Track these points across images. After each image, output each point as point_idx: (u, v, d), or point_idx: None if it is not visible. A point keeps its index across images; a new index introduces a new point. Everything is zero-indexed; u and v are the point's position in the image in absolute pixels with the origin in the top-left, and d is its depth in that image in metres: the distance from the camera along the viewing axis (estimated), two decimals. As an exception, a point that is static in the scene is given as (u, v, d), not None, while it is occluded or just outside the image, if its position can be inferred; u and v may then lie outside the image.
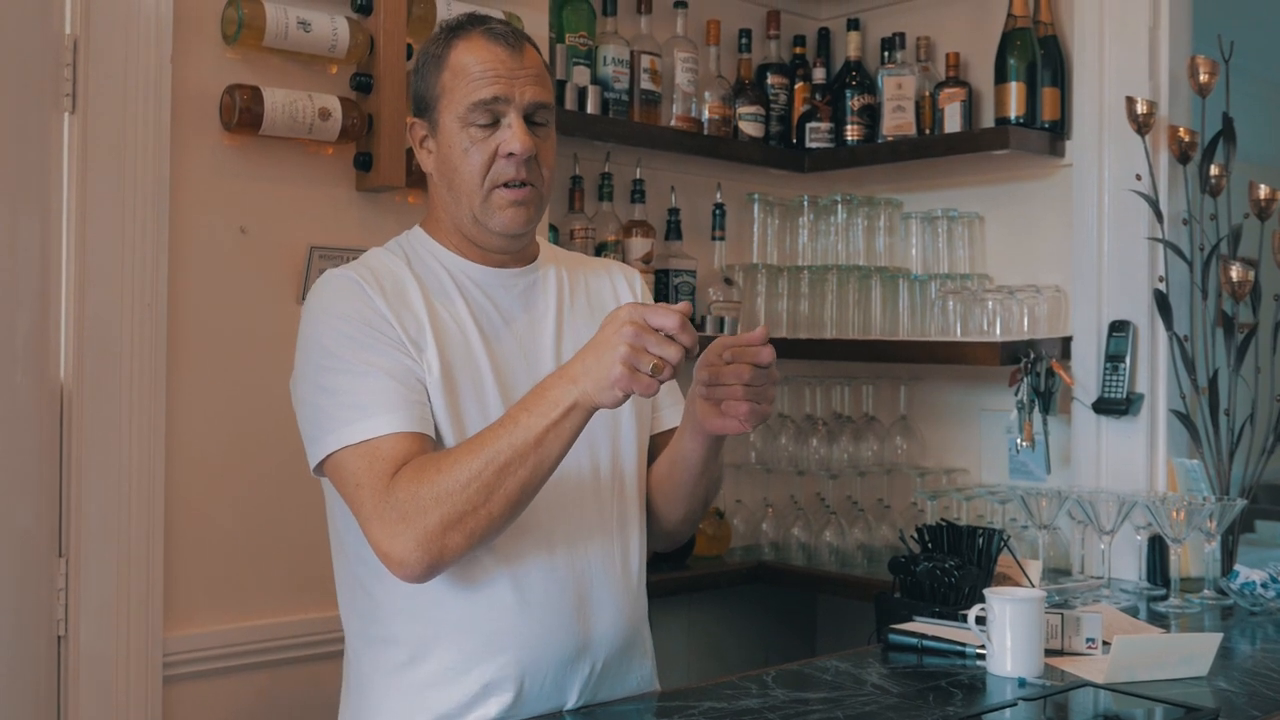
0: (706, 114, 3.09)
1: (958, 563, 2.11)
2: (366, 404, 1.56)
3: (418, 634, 1.63)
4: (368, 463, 1.54)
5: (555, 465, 1.52)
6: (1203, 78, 2.63)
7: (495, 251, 1.72)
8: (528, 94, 1.65)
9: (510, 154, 1.63)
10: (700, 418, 1.63)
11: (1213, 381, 2.60)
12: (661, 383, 1.45)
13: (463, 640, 1.61)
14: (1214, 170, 2.64)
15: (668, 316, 1.45)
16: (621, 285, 1.86)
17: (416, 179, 2.36)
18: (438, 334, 1.63)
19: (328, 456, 1.57)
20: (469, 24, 1.69)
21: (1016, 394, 2.81)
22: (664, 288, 2.99)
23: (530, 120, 1.66)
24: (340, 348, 1.59)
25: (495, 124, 1.64)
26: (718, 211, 3.19)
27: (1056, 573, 2.64)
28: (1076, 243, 2.81)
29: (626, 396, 1.47)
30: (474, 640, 1.61)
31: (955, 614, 2.00)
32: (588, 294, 1.81)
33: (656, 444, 1.82)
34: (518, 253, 1.75)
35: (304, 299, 2.23)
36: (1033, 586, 2.17)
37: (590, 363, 1.47)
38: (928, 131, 3.11)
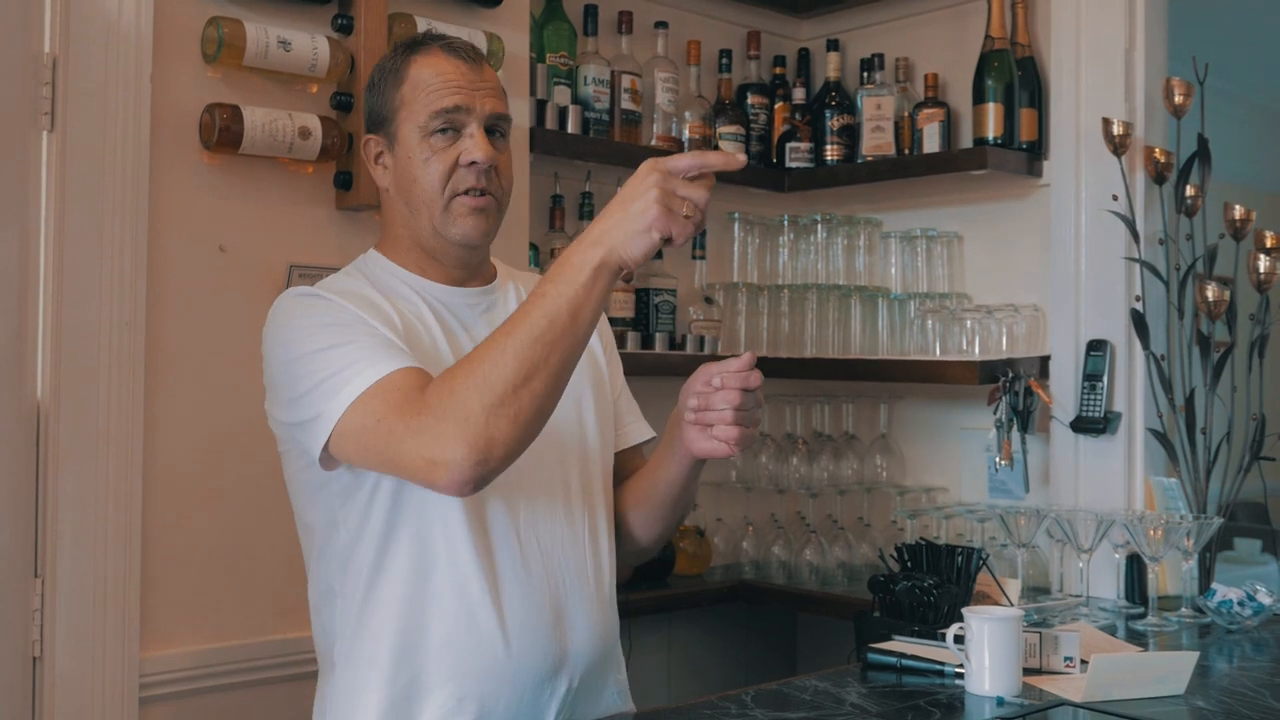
0: (687, 133, 3.10)
1: (937, 581, 2.12)
2: (361, 359, 1.51)
3: (392, 655, 1.62)
4: (382, 398, 1.47)
5: (590, 333, 1.47)
6: (1178, 99, 2.65)
7: (454, 266, 1.72)
8: (488, 105, 1.67)
9: (472, 162, 1.64)
10: (688, 442, 1.65)
11: (1189, 400, 2.61)
12: (695, 225, 1.45)
13: (438, 660, 1.61)
14: (1190, 190, 2.66)
15: (688, 158, 1.46)
16: None
17: (397, 198, 2.36)
18: (411, 340, 1.62)
19: (333, 430, 1.50)
20: (426, 40, 1.71)
21: (995, 413, 2.82)
22: (644, 307, 2.99)
23: (489, 132, 1.67)
24: (315, 335, 1.56)
25: (456, 135, 1.65)
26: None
27: (1035, 591, 2.65)
28: (1054, 262, 2.83)
29: (662, 242, 1.44)
30: (450, 660, 1.61)
31: (934, 633, 2.00)
32: None
33: (621, 461, 1.83)
34: (476, 269, 1.75)
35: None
36: (1011, 605, 2.17)
37: (617, 217, 1.44)
38: (907, 151, 3.13)
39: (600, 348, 1.84)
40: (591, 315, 1.46)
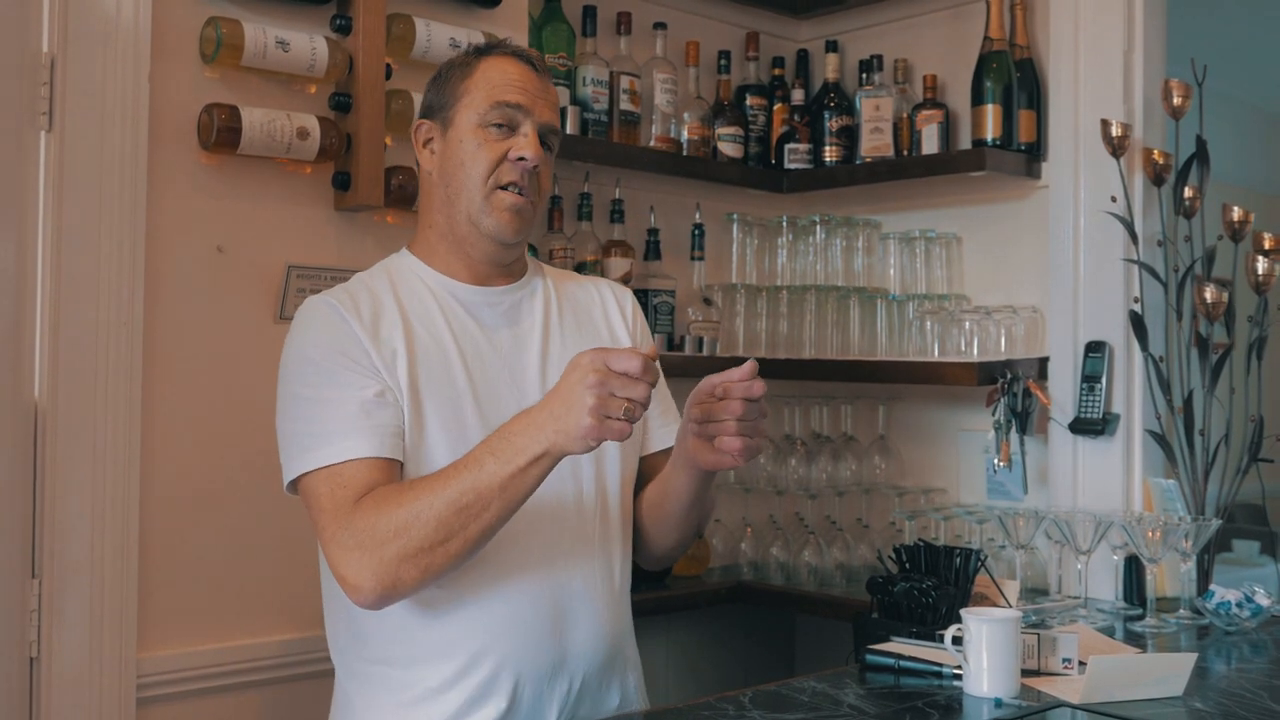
0: (685, 134, 3.10)
1: (935, 583, 2.12)
2: (331, 430, 1.58)
3: (402, 654, 1.65)
4: (329, 488, 1.56)
5: (518, 508, 1.54)
6: (1176, 100, 2.65)
7: (482, 261, 1.74)
8: (545, 115, 1.73)
9: (521, 158, 1.68)
10: (693, 453, 1.65)
11: (1188, 402, 2.61)
12: (633, 423, 1.47)
13: (444, 659, 1.63)
14: (1188, 192, 2.66)
15: (630, 360, 1.46)
16: (610, 303, 1.88)
17: (394, 199, 2.36)
18: (413, 356, 1.65)
19: (295, 480, 1.61)
20: (501, 46, 1.77)
21: (994, 414, 2.82)
22: (643, 307, 2.97)
23: (541, 140, 1.72)
24: (309, 375, 1.62)
25: (510, 133, 1.70)
26: (697, 231, 3.20)
27: (1034, 592, 2.64)
28: (1053, 264, 2.83)
29: (599, 444, 1.48)
30: (455, 659, 1.63)
31: (932, 634, 2.00)
32: (575, 310, 1.83)
33: (650, 464, 1.84)
34: (505, 268, 1.77)
35: (281, 318, 2.23)
36: (1010, 606, 2.17)
37: (559, 411, 1.47)
38: (905, 153, 3.12)
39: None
40: (523, 495, 1.52)
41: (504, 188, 1.69)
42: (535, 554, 1.66)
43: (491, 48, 1.76)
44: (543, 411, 1.50)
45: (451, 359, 1.68)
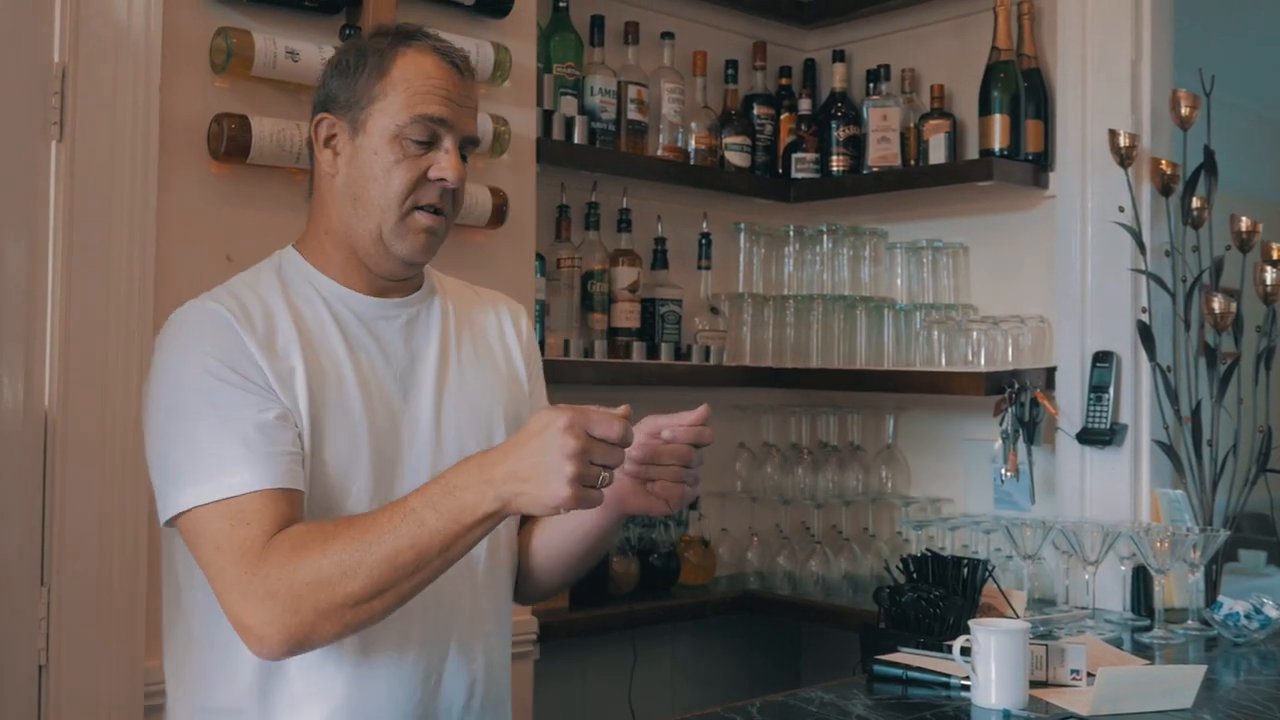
0: (693, 144, 3.11)
1: (942, 593, 2.11)
2: (226, 456, 1.42)
3: (256, 706, 1.50)
4: (229, 525, 1.40)
5: (455, 563, 1.42)
6: (1184, 110, 2.65)
7: (385, 277, 1.61)
8: (468, 126, 1.59)
9: (442, 179, 1.55)
10: (620, 496, 1.52)
11: (1195, 412, 2.61)
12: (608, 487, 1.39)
13: (304, 712, 1.50)
14: (1196, 202, 2.66)
15: (612, 427, 1.36)
16: (506, 323, 1.76)
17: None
18: (310, 373, 1.51)
19: (182, 513, 1.44)
20: (420, 35, 1.59)
21: (1001, 424, 2.81)
22: (650, 317, 3.00)
23: (460, 153, 1.58)
24: (200, 391, 1.46)
25: (429, 147, 1.55)
26: (704, 241, 3.21)
27: (1041, 603, 2.64)
28: (1060, 274, 2.82)
29: (567, 511, 1.38)
30: (315, 712, 1.50)
31: (940, 645, 1.99)
32: (473, 332, 1.71)
33: None
34: (404, 280, 1.64)
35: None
36: (1017, 617, 2.17)
37: (526, 473, 1.35)
38: (912, 162, 3.13)
39: (524, 370, 1.74)
40: (462, 552, 1.40)
41: (421, 208, 1.55)
42: (413, 603, 1.47)
43: (410, 36, 1.57)
44: (499, 468, 1.37)
45: (346, 376, 1.54)
